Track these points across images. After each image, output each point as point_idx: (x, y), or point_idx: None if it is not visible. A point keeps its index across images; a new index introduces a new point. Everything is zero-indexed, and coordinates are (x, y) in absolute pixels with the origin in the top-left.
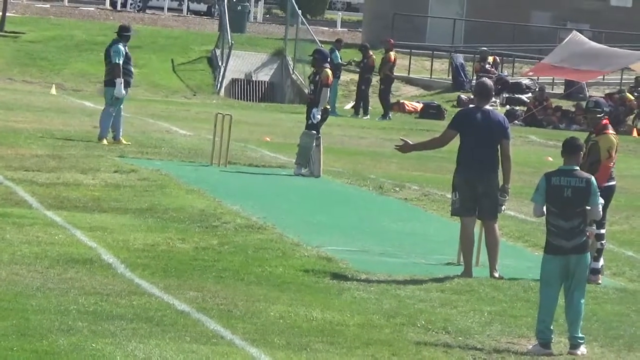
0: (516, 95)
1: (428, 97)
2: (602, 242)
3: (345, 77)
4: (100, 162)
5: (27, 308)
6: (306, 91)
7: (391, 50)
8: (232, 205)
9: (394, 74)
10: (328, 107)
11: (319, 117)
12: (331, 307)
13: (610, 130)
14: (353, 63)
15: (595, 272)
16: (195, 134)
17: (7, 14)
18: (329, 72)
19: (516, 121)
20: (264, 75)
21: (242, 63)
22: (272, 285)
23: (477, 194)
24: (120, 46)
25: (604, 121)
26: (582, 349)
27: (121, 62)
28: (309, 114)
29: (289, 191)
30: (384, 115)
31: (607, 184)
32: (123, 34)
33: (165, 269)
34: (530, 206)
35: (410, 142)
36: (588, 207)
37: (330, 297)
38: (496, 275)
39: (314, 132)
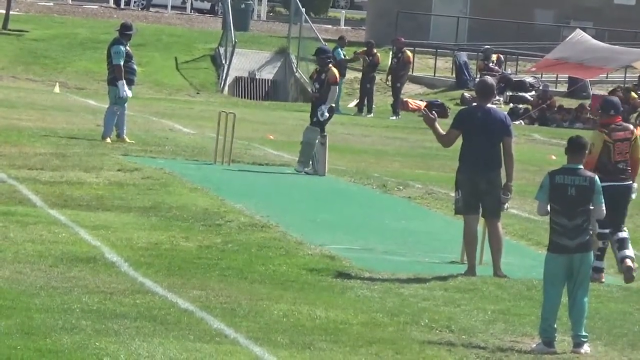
0: (520, 94)
1: (431, 95)
2: (605, 241)
3: (349, 75)
4: (103, 161)
5: (31, 307)
6: (309, 89)
7: (404, 49)
8: (235, 203)
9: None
10: (333, 105)
11: (327, 114)
12: (335, 305)
13: (603, 128)
14: (359, 58)
15: (598, 270)
16: (198, 132)
17: (11, 12)
18: (335, 70)
19: (521, 120)
20: (268, 74)
21: (245, 61)
22: (276, 283)
23: (479, 192)
24: (121, 46)
25: (606, 119)
26: (586, 348)
27: (122, 62)
28: (313, 112)
29: (292, 189)
30: (397, 114)
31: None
32: (124, 32)
33: (168, 268)
34: (534, 204)
35: (437, 123)
36: (591, 206)
37: (333, 296)
38: (500, 273)
39: (318, 128)
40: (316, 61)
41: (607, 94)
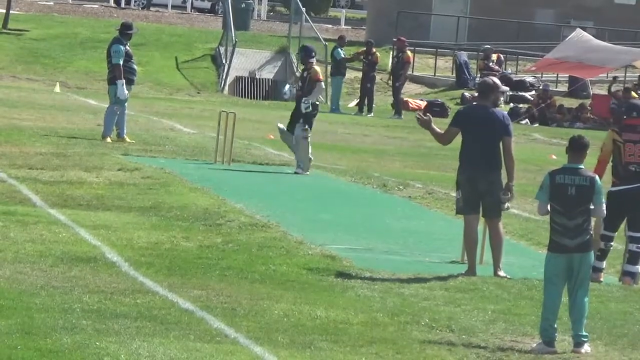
0: (520, 93)
1: (432, 94)
2: (608, 243)
3: (349, 74)
4: (104, 160)
5: (31, 306)
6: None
7: (405, 49)
8: (236, 203)
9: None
10: (318, 102)
11: (310, 106)
12: (335, 305)
13: (615, 128)
14: (358, 58)
15: (597, 270)
16: (199, 131)
17: (11, 12)
18: (318, 68)
19: (523, 121)
20: (268, 73)
21: (246, 61)
22: (276, 283)
23: (480, 192)
24: (121, 46)
25: (629, 121)
26: (586, 347)
27: (121, 62)
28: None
29: (292, 189)
30: (399, 113)
31: (609, 190)
32: (125, 31)
33: (169, 267)
34: (534, 204)
35: (432, 123)
36: (592, 206)
37: (334, 295)
38: (500, 273)
39: (305, 125)
40: (299, 59)
41: (607, 93)
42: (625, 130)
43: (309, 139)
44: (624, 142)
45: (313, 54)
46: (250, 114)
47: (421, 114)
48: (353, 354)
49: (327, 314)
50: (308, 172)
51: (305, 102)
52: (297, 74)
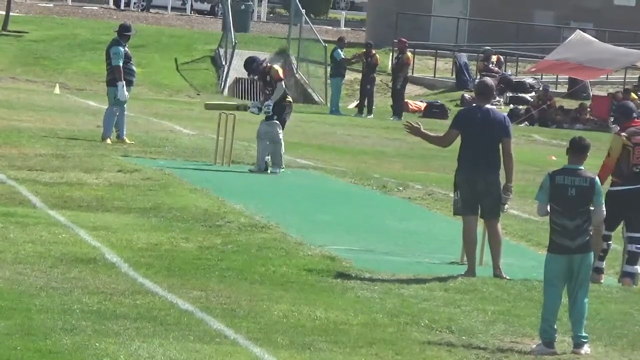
0: (520, 95)
1: (432, 96)
2: (609, 243)
3: (349, 76)
4: (103, 162)
5: (31, 307)
6: (309, 90)
7: (406, 51)
8: (235, 204)
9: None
10: (290, 101)
11: (270, 110)
12: (335, 306)
13: (622, 132)
14: (357, 59)
15: (599, 271)
16: (198, 133)
17: (11, 13)
18: (277, 67)
19: (522, 124)
20: None
21: None
22: (276, 284)
23: (478, 193)
24: (120, 47)
25: (630, 122)
26: (586, 348)
27: (121, 63)
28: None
29: (292, 190)
30: (399, 115)
31: (609, 189)
32: (123, 33)
33: (168, 269)
34: (534, 205)
35: (422, 129)
36: (592, 208)
37: (333, 296)
38: (500, 274)
39: (275, 122)
40: (250, 73)
41: (607, 94)
42: (634, 134)
43: (282, 137)
44: (634, 145)
45: (258, 60)
46: (249, 115)
47: (409, 122)
48: (353, 355)
49: (327, 314)
50: (283, 168)
51: (267, 107)
52: (297, 76)
